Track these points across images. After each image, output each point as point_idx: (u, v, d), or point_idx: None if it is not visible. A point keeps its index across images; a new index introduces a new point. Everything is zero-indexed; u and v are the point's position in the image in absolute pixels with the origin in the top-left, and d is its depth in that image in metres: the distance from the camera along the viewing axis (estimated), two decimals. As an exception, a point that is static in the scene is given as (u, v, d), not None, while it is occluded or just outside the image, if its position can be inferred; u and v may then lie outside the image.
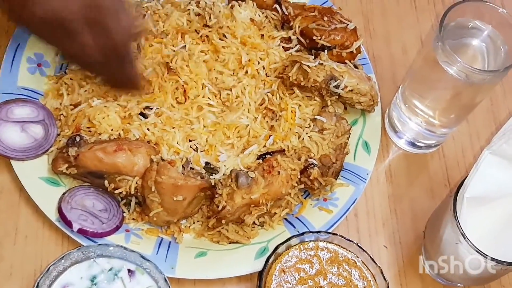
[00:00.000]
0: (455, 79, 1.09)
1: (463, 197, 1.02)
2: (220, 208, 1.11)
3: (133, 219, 1.17)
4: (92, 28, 0.99)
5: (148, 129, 1.17)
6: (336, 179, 1.20)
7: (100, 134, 1.16)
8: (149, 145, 1.16)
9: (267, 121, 1.23)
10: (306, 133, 1.20)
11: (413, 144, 1.29)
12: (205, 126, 1.21)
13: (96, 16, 0.99)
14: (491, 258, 1.00)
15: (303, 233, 1.09)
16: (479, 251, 1.00)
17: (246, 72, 1.25)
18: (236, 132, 1.22)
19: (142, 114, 1.19)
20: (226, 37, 1.25)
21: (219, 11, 1.26)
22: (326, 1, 1.36)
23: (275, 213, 1.18)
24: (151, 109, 1.19)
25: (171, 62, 1.21)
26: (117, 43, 1.03)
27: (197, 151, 1.19)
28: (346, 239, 1.08)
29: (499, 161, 1.03)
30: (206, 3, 1.28)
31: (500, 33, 1.11)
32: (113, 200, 1.16)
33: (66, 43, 1.03)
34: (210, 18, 1.26)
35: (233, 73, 1.25)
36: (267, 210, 1.15)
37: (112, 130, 1.17)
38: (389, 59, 1.38)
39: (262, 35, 1.28)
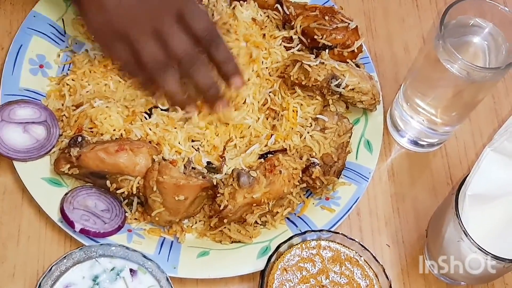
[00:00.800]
0: (457, 77, 1.09)
1: (464, 195, 1.02)
2: (222, 207, 1.11)
3: (135, 219, 1.17)
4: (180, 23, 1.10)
5: (150, 129, 1.17)
6: (338, 178, 1.20)
7: (102, 134, 1.16)
8: (150, 145, 1.16)
9: (269, 121, 1.23)
10: (308, 132, 1.20)
11: (415, 143, 1.29)
12: (207, 127, 1.21)
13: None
14: (493, 255, 0.99)
15: (305, 232, 1.08)
16: (481, 249, 0.99)
17: (253, 69, 1.25)
18: (239, 132, 1.22)
19: (147, 113, 1.20)
20: (230, 32, 1.25)
21: (222, 9, 1.27)
22: (327, 1, 1.36)
23: (277, 212, 1.17)
24: (157, 107, 1.19)
25: None
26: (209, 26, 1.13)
27: (199, 152, 1.19)
28: (348, 237, 1.08)
29: (500, 159, 1.03)
30: (208, 0, 1.29)
31: (501, 30, 1.11)
32: (115, 200, 1.16)
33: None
34: (213, 14, 1.26)
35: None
36: (269, 209, 1.15)
37: (114, 130, 1.17)
38: (391, 58, 1.38)
39: (264, 35, 1.28)
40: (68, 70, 1.26)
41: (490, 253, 0.99)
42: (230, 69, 1.16)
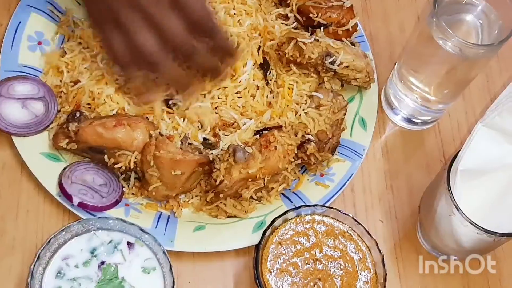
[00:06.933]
0: (450, 54, 1.10)
1: (456, 170, 1.03)
2: (218, 182, 1.13)
3: (133, 193, 1.18)
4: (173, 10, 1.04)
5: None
6: (332, 155, 1.22)
7: (98, 106, 1.18)
8: (148, 121, 1.17)
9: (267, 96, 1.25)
10: (303, 109, 1.21)
11: (409, 121, 1.30)
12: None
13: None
14: (484, 229, 1.01)
15: (299, 207, 1.10)
16: (472, 222, 1.01)
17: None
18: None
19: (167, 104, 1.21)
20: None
21: None
22: (323, -21, 1.37)
23: (273, 188, 1.19)
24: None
25: None
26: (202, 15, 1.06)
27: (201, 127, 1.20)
28: (342, 212, 1.09)
29: (492, 134, 1.04)
30: None
31: (494, 8, 1.12)
32: (112, 175, 1.17)
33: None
34: None
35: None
36: (264, 184, 1.16)
37: (112, 102, 1.19)
38: (386, 38, 1.39)
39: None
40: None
41: (480, 226, 1.01)
42: (228, 55, 1.14)
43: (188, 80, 1.14)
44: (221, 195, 1.15)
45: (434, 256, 1.19)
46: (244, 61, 1.23)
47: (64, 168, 1.16)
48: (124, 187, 1.18)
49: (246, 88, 1.24)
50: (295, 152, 1.18)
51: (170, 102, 1.19)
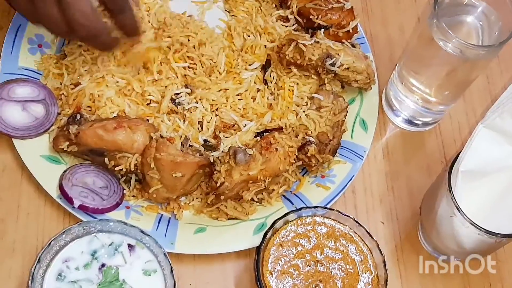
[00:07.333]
0: (450, 55, 1.10)
1: (457, 171, 1.03)
2: (218, 184, 1.13)
3: (133, 196, 1.18)
4: None
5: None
6: (333, 156, 1.22)
7: (99, 109, 1.18)
8: (148, 123, 1.17)
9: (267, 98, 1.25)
10: (304, 111, 1.21)
11: (410, 122, 1.30)
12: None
13: None
14: (485, 230, 1.01)
15: (300, 209, 1.10)
16: (473, 223, 1.01)
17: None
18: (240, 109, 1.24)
19: (173, 101, 1.21)
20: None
21: None
22: (323, -19, 1.37)
23: (273, 189, 1.19)
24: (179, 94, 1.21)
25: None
26: None
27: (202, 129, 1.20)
28: (343, 214, 1.09)
29: (492, 135, 1.04)
30: None
31: (494, 9, 1.12)
32: (113, 178, 1.17)
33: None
34: None
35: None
36: (265, 186, 1.16)
37: (112, 105, 1.19)
38: (387, 39, 1.39)
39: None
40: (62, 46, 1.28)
41: (482, 228, 1.01)
42: (128, 21, 1.13)
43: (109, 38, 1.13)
44: (221, 197, 1.15)
45: (435, 257, 1.18)
46: (250, 61, 1.24)
47: (65, 171, 1.16)
48: (124, 189, 1.18)
49: (247, 90, 1.24)
50: (296, 153, 1.18)
51: (176, 101, 1.20)
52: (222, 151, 1.18)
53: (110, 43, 1.13)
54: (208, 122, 1.21)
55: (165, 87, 1.22)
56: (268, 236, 1.07)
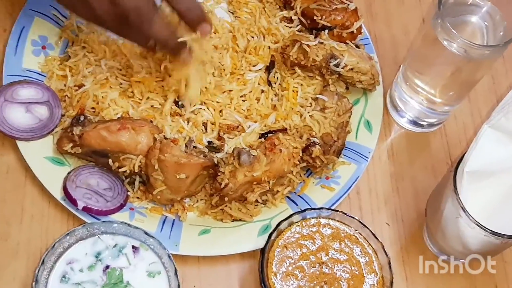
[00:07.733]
0: (455, 56, 1.10)
1: (463, 172, 1.02)
2: (222, 185, 1.12)
3: (137, 197, 1.18)
4: None
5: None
6: (338, 158, 1.21)
7: (102, 110, 1.18)
8: (152, 124, 1.17)
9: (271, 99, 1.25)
10: (308, 112, 1.21)
11: (415, 123, 1.30)
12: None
13: None
14: (491, 231, 1.00)
15: (305, 210, 1.10)
16: (479, 225, 1.00)
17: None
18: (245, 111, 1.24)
19: (177, 104, 1.21)
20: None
21: None
22: (327, -18, 1.37)
23: (278, 191, 1.19)
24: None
25: None
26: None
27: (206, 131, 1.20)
28: (348, 215, 1.09)
29: (498, 135, 1.03)
30: None
31: (499, 9, 1.12)
32: (117, 179, 1.17)
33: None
34: None
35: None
36: (269, 187, 1.16)
37: (116, 106, 1.19)
38: (391, 40, 1.39)
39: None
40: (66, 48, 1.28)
41: (488, 228, 1.00)
42: (195, 17, 1.11)
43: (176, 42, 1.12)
44: (226, 199, 1.14)
45: (441, 259, 1.18)
46: (254, 62, 1.24)
47: (69, 172, 1.16)
48: (128, 191, 1.18)
49: (251, 91, 1.24)
50: (300, 155, 1.17)
51: (180, 103, 1.20)
52: (226, 153, 1.18)
53: (178, 47, 1.12)
54: (213, 124, 1.21)
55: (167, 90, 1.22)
56: (272, 237, 1.07)
